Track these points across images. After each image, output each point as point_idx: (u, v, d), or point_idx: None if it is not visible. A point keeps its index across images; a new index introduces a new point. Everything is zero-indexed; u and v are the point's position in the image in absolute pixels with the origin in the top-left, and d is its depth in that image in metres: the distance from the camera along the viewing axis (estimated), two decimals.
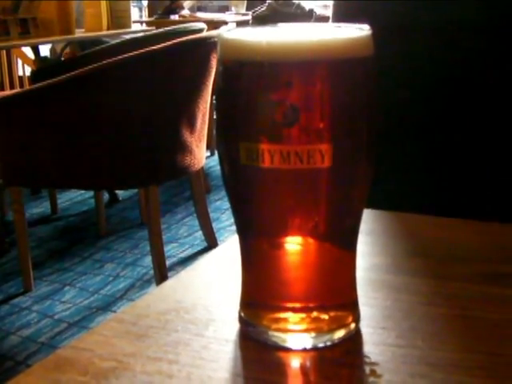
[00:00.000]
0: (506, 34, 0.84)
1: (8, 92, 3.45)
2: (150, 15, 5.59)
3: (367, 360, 0.42)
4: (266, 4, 4.37)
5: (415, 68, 0.89)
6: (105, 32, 3.41)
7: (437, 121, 0.89)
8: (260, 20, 4.21)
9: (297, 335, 0.44)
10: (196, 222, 2.86)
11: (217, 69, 0.46)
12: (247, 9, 5.18)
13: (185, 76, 2.23)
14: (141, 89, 2.14)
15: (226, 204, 3.32)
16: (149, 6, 5.88)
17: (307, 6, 4.41)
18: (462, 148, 0.88)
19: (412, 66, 0.89)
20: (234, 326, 0.46)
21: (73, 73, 2.06)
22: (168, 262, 2.48)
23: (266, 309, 0.45)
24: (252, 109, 0.41)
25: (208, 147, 2.87)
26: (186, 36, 2.24)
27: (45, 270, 2.67)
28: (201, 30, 2.55)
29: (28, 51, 4.11)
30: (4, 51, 4.29)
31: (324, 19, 4.17)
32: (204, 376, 0.40)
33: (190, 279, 0.56)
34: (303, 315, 0.44)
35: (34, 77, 2.88)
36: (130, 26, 3.58)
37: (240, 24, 4.63)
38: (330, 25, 0.58)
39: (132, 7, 3.99)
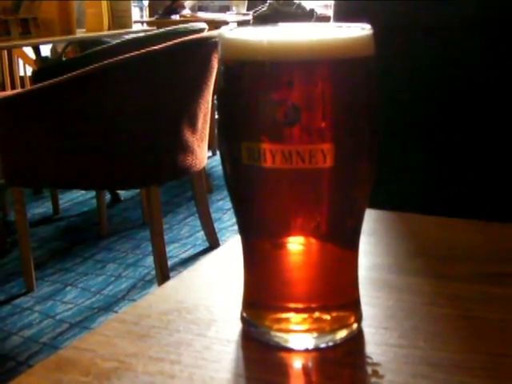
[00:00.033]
0: (506, 33, 0.84)
1: (9, 92, 3.45)
2: (150, 15, 5.60)
3: (369, 360, 0.42)
4: (267, 4, 4.37)
5: (415, 68, 0.89)
6: (106, 32, 3.41)
7: (437, 121, 0.89)
8: (261, 20, 4.21)
9: (299, 335, 0.43)
10: (198, 222, 2.86)
11: (218, 69, 0.46)
12: (248, 9, 5.18)
13: (186, 76, 2.23)
14: (142, 89, 2.14)
15: (227, 204, 3.33)
16: (150, 5, 5.88)
17: (308, 5, 4.41)
18: (462, 148, 0.88)
19: (412, 65, 0.89)
20: (236, 327, 0.46)
21: (74, 73, 2.06)
22: (170, 263, 2.48)
23: (268, 309, 0.45)
24: (253, 108, 0.41)
25: (210, 147, 2.87)
26: (186, 36, 2.24)
27: (47, 271, 2.67)
28: (202, 30, 2.55)
29: (29, 51, 4.11)
30: (5, 51, 4.29)
31: (325, 19, 4.17)
32: (206, 376, 0.40)
33: (191, 279, 0.55)
34: (305, 315, 0.44)
35: (35, 77, 2.88)
36: (130, 26, 3.58)
37: (241, 24, 4.63)
38: (331, 24, 0.58)
39: (133, 7, 3.99)
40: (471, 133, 0.87)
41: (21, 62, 4.67)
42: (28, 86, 4.13)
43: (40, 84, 2.14)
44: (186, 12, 4.86)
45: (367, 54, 0.43)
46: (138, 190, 3.14)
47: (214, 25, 3.78)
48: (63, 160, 2.17)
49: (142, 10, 6.48)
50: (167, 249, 2.44)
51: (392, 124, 0.86)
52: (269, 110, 0.41)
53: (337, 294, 0.45)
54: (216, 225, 2.86)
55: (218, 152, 3.84)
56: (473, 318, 0.47)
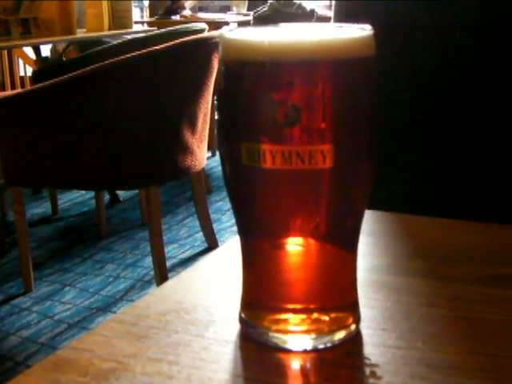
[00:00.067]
0: (506, 33, 0.84)
1: (9, 92, 3.46)
2: (151, 15, 5.60)
3: (367, 361, 0.42)
4: (268, 4, 4.37)
5: (415, 68, 0.89)
6: (106, 32, 3.41)
7: (437, 121, 0.89)
8: (261, 20, 4.21)
9: (297, 336, 0.43)
10: (197, 223, 2.86)
11: (218, 69, 0.45)
12: (248, 9, 5.19)
13: (186, 76, 2.23)
14: (142, 89, 2.14)
15: (226, 205, 3.33)
16: (150, 6, 5.89)
17: (308, 6, 4.41)
18: (462, 148, 0.88)
19: (412, 65, 0.89)
20: (235, 327, 0.46)
21: (74, 73, 2.06)
22: (168, 263, 2.48)
23: (266, 310, 0.45)
24: (253, 109, 0.41)
25: (209, 148, 2.87)
26: (187, 36, 2.24)
27: (45, 271, 2.67)
28: (202, 31, 2.55)
29: (29, 51, 4.11)
30: (5, 51, 4.29)
31: (325, 19, 4.18)
32: (204, 377, 0.40)
33: (190, 280, 0.55)
34: (304, 316, 0.44)
35: (36, 77, 2.88)
36: (131, 27, 3.57)
37: (241, 24, 4.64)
38: (332, 25, 0.58)
39: (133, 7, 3.99)
40: (471, 133, 0.87)
41: (21, 62, 4.67)
42: (28, 86, 4.13)
43: (40, 84, 2.14)
44: (187, 12, 4.86)
45: (368, 54, 0.43)
46: (137, 191, 3.14)
47: (215, 25, 3.78)
48: (63, 160, 2.17)
49: (142, 10, 6.49)
50: (166, 249, 2.44)
51: (392, 124, 0.86)
52: (269, 110, 0.41)
53: (335, 295, 0.45)
54: (215, 226, 2.86)
55: (217, 153, 3.84)
56: (472, 320, 0.47)
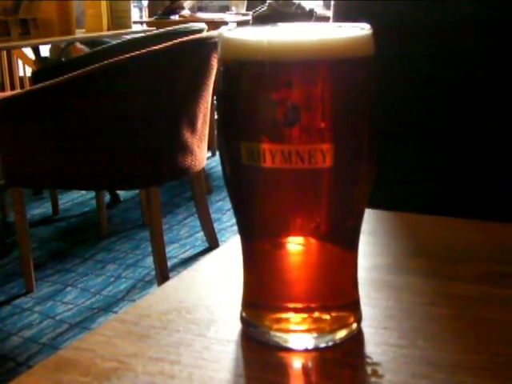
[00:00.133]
0: (506, 33, 0.84)
1: (9, 93, 3.45)
2: (150, 15, 5.59)
3: (369, 360, 0.42)
4: (267, 4, 4.37)
5: (415, 68, 0.89)
6: (105, 32, 3.41)
7: (437, 121, 0.89)
8: (260, 20, 4.21)
9: (298, 335, 0.43)
10: (197, 223, 2.86)
11: (217, 69, 0.46)
12: (247, 9, 5.19)
13: (185, 76, 2.23)
14: (141, 89, 2.14)
15: (227, 205, 3.33)
16: (149, 6, 5.88)
17: (307, 5, 4.41)
18: (462, 148, 0.88)
19: (412, 66, 0.89)
20: (236, 327, 0.46)
21: (74, 73, 2.06)
22: (169, 263, 2.48)
23: (267, 309, 0.45)
24: (253, 108, 0.41)
25: (209, 148, 2.87)
26: (186, 36, 2.24)
27: (46, 271, 2.67)
28: (201, 31, 2.55)
29: (28, 52, 4.11)
30: (4, 52, 4.28)
31: (324, 19, 4.17)
32: (206, 376, 0.40)
33: (191, 279, 0.55)
34: (305, 315, 0.44)
35: (35, 77, 2.88)
36: (130, 27, 3.57)
37: (240, 24, 4.63)
38: (331, 24, 0.58)
39: (132, 7, 3.99)
40: (471, 133, 0.87)
41: (20, 62, 4.67)
42: (27, 87, 4.13)
43: (39, 84, 2.14)
44: (186, 12, 4.86)
45: (367, 53, 0.43)
46: (137, 191, 3.14)
47: (214, 25, 3.78)
48: (63, 160, 2.17)
49: (141, 10, 6.49)
50: (167, 249, 2.44)
51: (392, 124, 0.86)
52: (268, 110, 0.41)
53: (336, 293, 0.45)
54: (215, 225, 2.86)
55: (217, 152, 3.84)
56: (472, 318, 0.47)
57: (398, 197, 0.89)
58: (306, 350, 0.43)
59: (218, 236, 2.82)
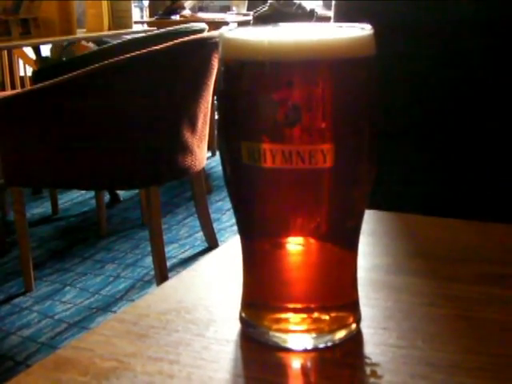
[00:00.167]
0: (506, 33, 0.84)
1: (9, 92, 3.45)
2: (151, 15, 5.59)
3: (368, 361, 0.42)
4: (268, 4, 4.37)
5: (416, 68, 0.89)
6: (106, 32, 3.41)
7: (437, 121, 0.89)
8: (261, 20, 4.21)
9: (298, 336, 0.43)
10: (197, 223, 2.86)
11: (218, 69, 0.46)
12: (248, 9, 5.19)
13: (186, 76, 2.23)
14: (142, 89, 2.14)
15: (226, 205, 3.33)
16: (150, 6, 5.88)
17: (308, 5, 4.41)
18: (462, 148, 0.88)
19: (412, 66, 0.89)
20: (235, 327, 0.46)
21: (74, 73, 2.06)
22: (169, 263, 2.48)
23: (266, 309, 0.45)
24: (254, 108, 0.41)
25: (209, 148, 2.87)
26: (187, 36, 2.24)
27: (45, 270, 2.67)
28: (202, 31, 2.55)
29: (29, 51, 4.11)
30: (5, 51, 4.28)
31: (325, 19, 4.17)
32: (205, 376, 0.40)
33: (190, 279, 0.55)
34: (304, 316, 0.44)
35: (36, 77, 2.88)
36: (131, 27, 3.57)
37: (241, 24, 4.63)
38: (332, 24, 0.58)
39: (133, 7, 3.99)
40: (471, 133, 0.87)
41: (21, 62, 4.67)
42: (28, 86, 4.13)
43: (40, 84, 2.14)
44: (186, 12, 4.86)
45: (368, 54, 0.43)
46: (137, 191, 3.13)
47: (215, 25, 3.78)
48: (63, 160, 2.17)
49: (142, 10, 6.49)
50: (166, 249, 2.44)
51: (392, 124, 0.86)
52: (269, 110, 0.41)
53: (336, 294, 0.45)
54: (215, 225, 2.86)
55: (217, 152, 3.84)
56: (472, 319, 0.47)
57: (397, 197, 0.89)
58: (305, 351, 0.43)
59: (218, 236, 2.82)
